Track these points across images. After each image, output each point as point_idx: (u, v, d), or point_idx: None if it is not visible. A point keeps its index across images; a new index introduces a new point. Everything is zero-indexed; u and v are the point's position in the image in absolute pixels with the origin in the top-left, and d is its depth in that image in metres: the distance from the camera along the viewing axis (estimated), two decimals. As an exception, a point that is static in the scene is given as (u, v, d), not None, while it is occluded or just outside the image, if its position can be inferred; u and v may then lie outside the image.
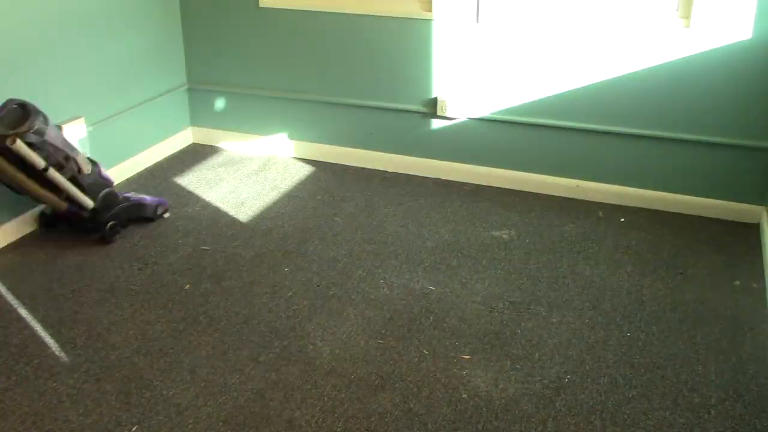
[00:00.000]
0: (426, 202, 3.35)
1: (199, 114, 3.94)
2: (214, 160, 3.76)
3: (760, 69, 2.93)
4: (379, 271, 2.79)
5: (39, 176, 2.73)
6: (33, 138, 2.64)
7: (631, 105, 3.16)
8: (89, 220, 2.95)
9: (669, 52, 3.02)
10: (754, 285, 2.71)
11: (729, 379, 2.23)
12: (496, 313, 2.54)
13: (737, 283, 2.73)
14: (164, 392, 2.16)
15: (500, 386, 2.19)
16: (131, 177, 3.56)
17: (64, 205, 2.86)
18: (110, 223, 2.96)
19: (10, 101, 2.67)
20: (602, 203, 3.33)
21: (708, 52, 2.96)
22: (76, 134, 3.18)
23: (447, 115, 3.45)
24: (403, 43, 3.42)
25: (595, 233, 3.08)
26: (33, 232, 3.04)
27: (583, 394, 2.16)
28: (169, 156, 3.80)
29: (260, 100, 3.77)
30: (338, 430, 2.02)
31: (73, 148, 2.84)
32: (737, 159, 3.10)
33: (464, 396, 2.15)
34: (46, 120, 2.71)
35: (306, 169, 3.68)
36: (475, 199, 3.38)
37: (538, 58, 3.22)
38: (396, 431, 2.02)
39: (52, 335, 2.40)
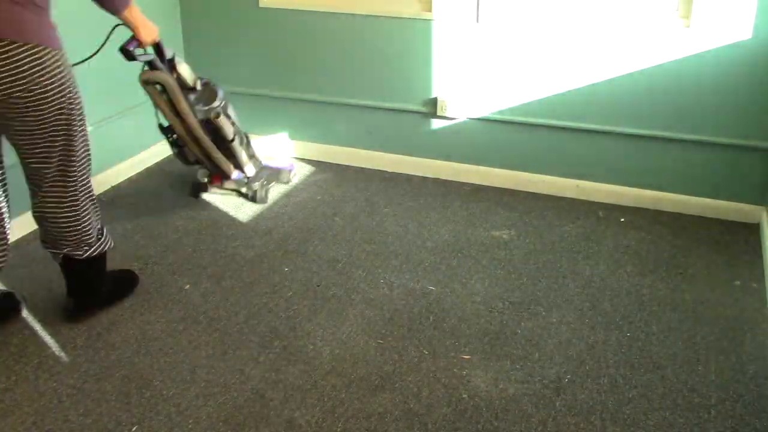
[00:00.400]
0: (426, 202, 3.35)
1: (199, 114, 3.93)
2: (214, 160, 3.76)
3: (760, 69, 2.93)
4: (379, 271, 2.79)
5: (221, 145, 3.11)
6: (224, 112, 3.06)
7: (631, 105, 3.16)
8: (245, 185, 3.31)
9: (669, 52, 3.02)
10: (754, 285, 2.71)
11: (729, 379, 2.23)
12: (496, 313, 2.54)
13: (737, 283, 2.73)
14: (164, 392, 2.16)
15: (500, 386, 2.19)
16: (131, 177, 3.57)
17: (234, 172, 3.22)
18: (265, 186, 3.31)
19: (198, 79, 3.01)
20: (602, 203, 3.33)
21: (708, 52, 2.96)
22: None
23: (447, 115, 3.45)
24: (403, 43, 3.42)
25: (595, 233, 3.08)
26: (33, 231, 3.04)
27: (583, 394, 2.16)
28: (169, 156, 3.80)
29: (260, 100, 3.77)
30: (338, 430, 2.02)
31: (236, 120, 3.21)
32: (737, 159, 3.10)
33: (464, 396, 2.15)
34: (226, 93, 3.11)
35: (306, 169, 3.68)
36: (475, 199, 3.38)
37: (538, 58, 3.22)
38: (396, 431, 2.02)
39: (52, 335, 2.40)
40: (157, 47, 2.83)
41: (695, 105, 3.07)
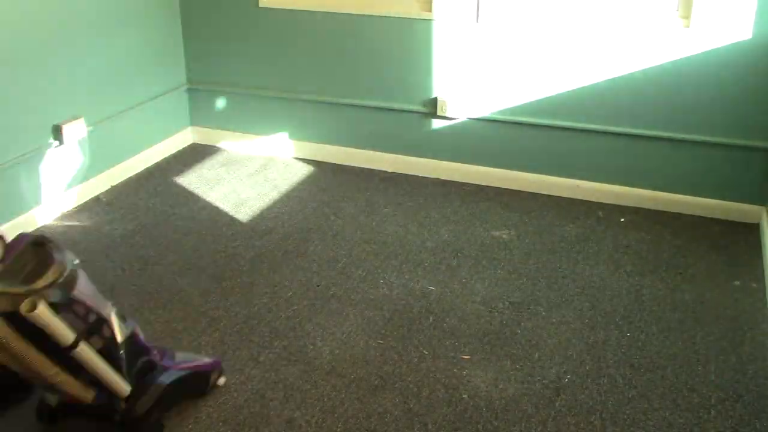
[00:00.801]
0: (426, 202, 3.35)
1: (199, 114, 3.94)
2: (214, 160, 3.76)
3: (760, 69, 2.93)
4: (379, 271, 2.79)
5: (59, 353, 1.76)
6: (58, 296, 1.71)
7: (631, 105, 3.16)
8: (122, 413, 1.92)
9: (669, 52, 3.02)
10: (754, 285, 2.71)
11: (729, 379, 2.23)
12: (496, 313, 2.54)
13: (737, 283, 2.73)
14: (164, 392, 2.15)
15: (500, 386, 2.19)
16: (131, 177, 3.56)
17: (90, 395, 1.87)
18: (153, 420, 1.97)
19: (21, 237, 1.82)
20: (602, 203, 3.33)
21: (708, 52, 2.96)
22: (76, 134, 3.18)
23: (447, 115, 3.45)
24: (403, 43, 3.42)
25: (595, 233, 3.08)
26: (32, 231, 3.04)
27: (583, 394, 2.16)
28: (169, 156, 3.80)
29: (260, 100, 3.77)
30: (338, 430, 2.02)
31: (103, 302, 1.85)
32: (737, 159, 3.10)
33: (464, 396, 2.15)
34: (71, 261, 1.78)
35: (306, 169, 3.68)
36: (475, 199, 3.38)
37: (538, 58, 3.22)
38: (396, 431, 2.02)
39: (52, 335, 2.40)
40: None
41: (695, 105, 3.07)
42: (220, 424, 2.04)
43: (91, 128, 3.28)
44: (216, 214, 3.22)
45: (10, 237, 1.79)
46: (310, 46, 3.58)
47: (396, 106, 3.54)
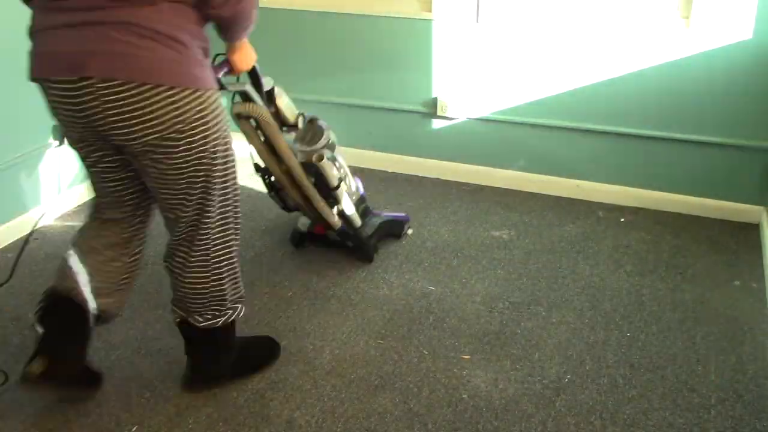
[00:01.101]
0: (426, 202, 3.35)
1: (199, 114, 3.93)
2: (214, 160, 3.75)
3: (760, 69, 2.93)
4: (379, 271, 2.79)
5: (326, 191, 2.64)
6: (329, 154, 2.62)
7: (631, 105, 3.16)
8: (352, 238, 2.82)
9: (669, 52, 3.02)
10: (754, 285, 2.71)
11: (729, 379, 2.23)
12: (496, 313, 2.54)
13: (737, 283, 2.73)
14: (164, 392, 2.15)
15: (500, 386, 2.19)
16: (131, 177, 3.56)
17: (338, 223, 2.72)
18: (372, 243, 2.84)
19: (301, 116, 2.64)
20: (602, 203, 3.33)
21: (708, 52, 2.96)
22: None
23: (447, 115, 3.45)
24: (403, 43, 3.42)
25: (595, 233, 3.08)
26: (32, 232, 3.03)
27: (583, 394, 2.16)
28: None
29: (260, 100, 3.77)
30: (338, 430, 2.02)
31: (344, 164, 2.74)
32: (737, 159, 3.10)
33: (464, 396, 2.15)
34: (331, 133, 2.70)
35: (306, 169, 3.68)
36: (475, 199, 3.38)
37: (538, 58, 3.22)
38: (396, 431, 2.02)
39: (52, 335, 2.39)
40: (253, 75, 2.40)
41: (695, 105, 3.07)
42: (220, 424, 2.04)
43: (91, 128, 3.28)
44: (216, 214, 3.21)
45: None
46: (310, 46, 3.58)
47: (396, 106, 3.54)
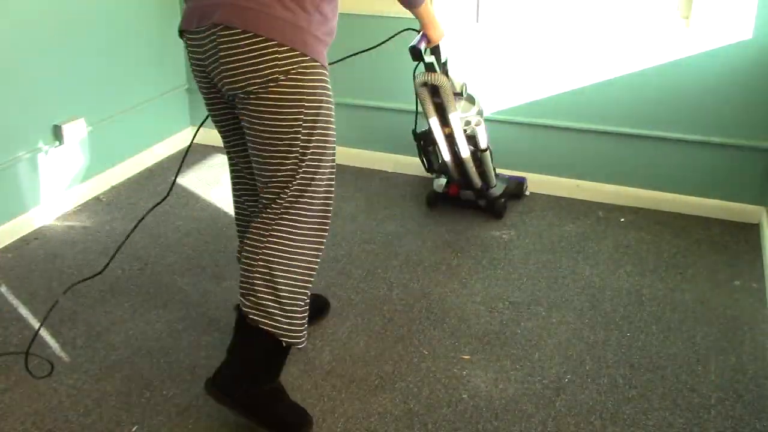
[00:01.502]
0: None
1: (199, 114, 3.93)
2: (214, 160, 3.76)
3: (760, 69, 2.93)
4: (379, 271, 2.79)
5: (475, 154, 3.02)
6: (480, 119, 2.94)
7: (631, 105, 3.16)
8: (485, 197, 3.15)
9: (669, 52, 3.02)
10: (754, 285, 2.71)
11: (729, 379, 2.23)
12: (496, 313, 2.54)
13: (737, 283, 2.73)
14: (164, 392, 2.16)
15: (500, 386, 2.19)
16: (131, 177, 3.57)
17: (479, 183, 3.10)
18: (503, 199, 3.15)
19: (464, 85, 2.91)
20: (602, 203, 3.33)
21: (708, 52, 2.96)
22: (76, 134, 3.18)
23: (447, 115, 3.45)
24: (403, 43, 3.41)
25: (595, 233, 3.08)
26: (33, 232, 3.04)
27: (583, 394, 2.16)
28: (169, 156, 3.80)
29: (260, 100, 3.77)
30: (338, 430, 2.02)
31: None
32: (737, 159, 3.10)
33: (464, 396, 2.15)
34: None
35: (306, 169, 3.68)
36: (475, 199, 3.38)
37: (537, 58, 3.22)
38: (396, 431, 2.02)
39: (52, 335, 2.40)
40: (437, 49, 2.74)
41: (695, 105, 3.07)
42: (220, 424, 2.04)
43: (91, 128, 3.28)
44: (216, 214, 3.22)
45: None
46: (310, 46, 3.57)
47: (396, 106, 3.54)
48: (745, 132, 3.04)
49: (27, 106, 2.97)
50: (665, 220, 3.19)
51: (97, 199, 3.34)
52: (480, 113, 2.95)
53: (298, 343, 1.97)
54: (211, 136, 4.00)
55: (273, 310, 1.90)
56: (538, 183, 3.42)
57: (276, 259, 1.89)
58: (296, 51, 1.76)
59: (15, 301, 2.58)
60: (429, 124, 2.93)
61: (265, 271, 1.89)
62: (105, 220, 3.15)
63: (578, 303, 2.59)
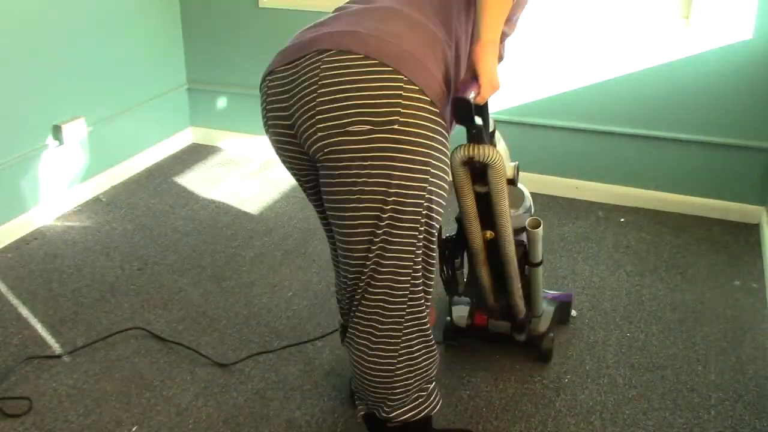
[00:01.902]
0: (426, 202, 3.34)
1: (199, 114, 3.94)
2: (214, 160, 3.76)
3: (760, 69, 2.93)
4: (379, 271, 2.78)
5: (523, 269, 2.14)
6: (532, 220, 2.09)
7: (631, 105, 3.16)
8: (525, 331, 2.22)
9: (669, 52, 3.02)
10: (754, 285, 2.71)
11: (729, 379, 2.23)
12: (496, 313, 2.53)
13: (737, 283, 2.73)
14: (164, 392, 2.16)
15: (500, 386, 2.19)
16: (131, 177, 3.57)
17: (523, 311, 2.18)
18: (551, 334, 2.26)
19: (516, 168, 1.99)
20: (602, 203, 3.33)
21: (708, 52, 2.96)
22: (76, 134, 3.18)
23: (447, 115, 3.44)
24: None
25: (595, 233, 3.08)
26: (33, 232, 3.04)
27: (583, 394, 2.16)
28: (169, 156, 3.80)
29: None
30: (338, 430, 2.02)
31: None
32: (737, 159, 3.10)
33: (464, 396, 2.15)
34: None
35: (306, 169, 3.68)
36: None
37: (537, 58, 3.22)
38: (396, 431, 2.02)
39: (52, 335, 2.40)
40: (484, 108, 1.70)
41: (695, 105, 3.07)
42: (220, 424, 2.04)
43: (91, 128, 3.28)
44: (216, 214, 3.22)
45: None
46: (310, 46, 3.57)
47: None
48: (745, 132, 3.04)
49: (27, 106, 2.97)
50: (665, 220, 3.19)
51: (97, 199, 3.34)
52: (530, 210, 2.16)
53: (436, 407, 1.80)
54: (211, 136, 4.01)
55: (414, 402, 1.73)
56: (538, 183, 3.42)
57: (400, 357, 1.66)
58: (402, 75, 1.45)
59: (15, 301, 2.58)
60: (463, 224, 2.01)
61: (398, 380, 1.67)
62: (105, 220, 3.15)
63: (578, 303, 2.59)
